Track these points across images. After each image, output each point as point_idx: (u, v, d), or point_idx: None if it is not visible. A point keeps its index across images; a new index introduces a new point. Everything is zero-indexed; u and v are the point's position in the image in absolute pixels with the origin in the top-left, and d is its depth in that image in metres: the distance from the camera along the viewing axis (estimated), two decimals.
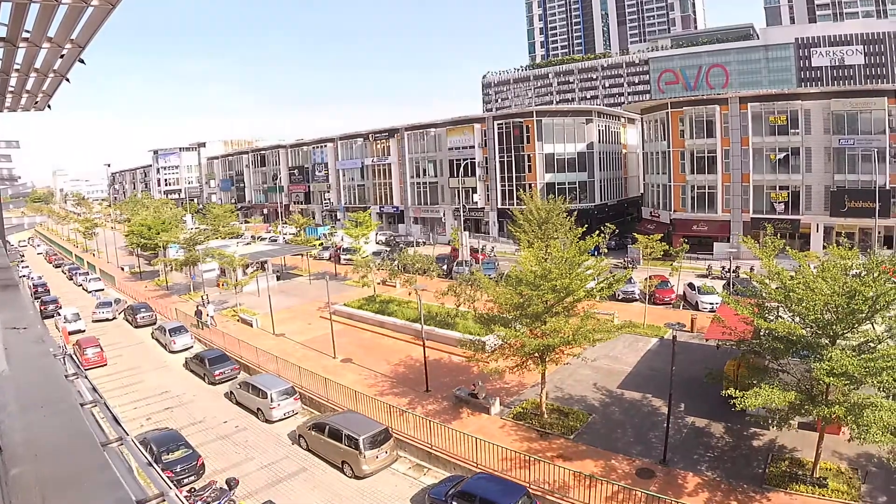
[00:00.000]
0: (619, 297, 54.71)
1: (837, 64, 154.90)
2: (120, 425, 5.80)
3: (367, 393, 34.09)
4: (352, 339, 46.62)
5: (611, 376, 37.23)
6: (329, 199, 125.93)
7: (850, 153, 68.03)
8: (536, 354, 29.16)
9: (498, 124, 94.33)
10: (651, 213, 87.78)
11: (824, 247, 56.89)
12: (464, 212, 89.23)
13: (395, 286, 60.96)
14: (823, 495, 23.61)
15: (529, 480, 25.04)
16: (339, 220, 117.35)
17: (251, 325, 51.53)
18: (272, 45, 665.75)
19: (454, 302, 45.16)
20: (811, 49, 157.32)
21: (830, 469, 25.24)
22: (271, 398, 33.36)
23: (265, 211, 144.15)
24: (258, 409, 34.10)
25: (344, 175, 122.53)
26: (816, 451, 24.44)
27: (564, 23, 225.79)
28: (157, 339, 49.79)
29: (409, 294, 51.91)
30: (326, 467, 28.42)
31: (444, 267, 68.56)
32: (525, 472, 25.60)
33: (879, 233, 64.56)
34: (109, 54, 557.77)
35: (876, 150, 65.52)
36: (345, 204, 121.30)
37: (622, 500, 23.56)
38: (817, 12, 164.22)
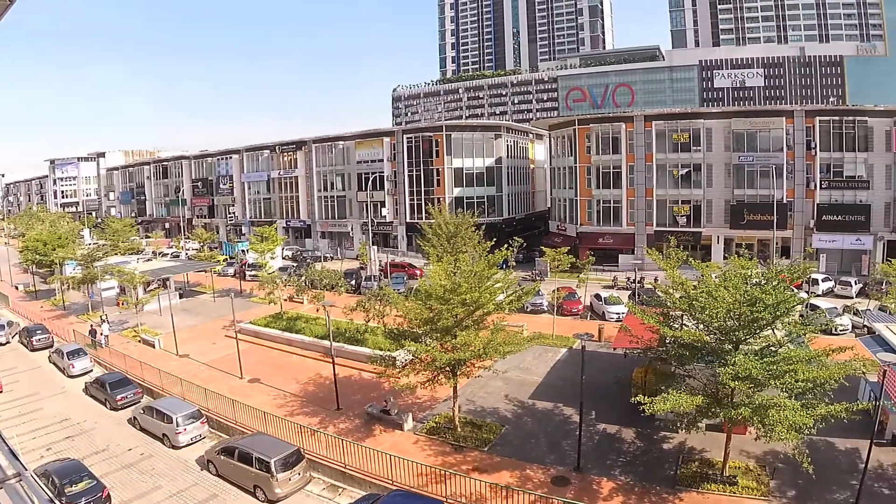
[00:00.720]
0: (528, 310, 55.25)
1: (739, 85, 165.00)
2: (17, 459, 5.31)
3: (276, 413, 33.10)
4: (259, 358, 45.34)
5: (522, 387, 37.45)
6: (234, 213, 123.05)
7: (749, 169, 72.21)
8: (448, 368, 28.97)
9: (407, 138, 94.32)
10: (558, 226, 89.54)
11: (725, 257, 59.46)
12: (372, 226, 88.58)
13: (302, 302, 59.81)
14: (734, 493, 24.47)
15: (446, 495, 24.81)
16: (244, 234, 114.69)
17: (153, 346, 49.51)
18: (174, 54, 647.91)
19: (363, 318, 44.64)
20: (714, 71, 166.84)
21: (739, 467, 26.18)
22: (177, 423, 31.96)
23: (167, 225, 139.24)
24: (164, 434, 32.61)
25: (249, 188, 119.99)
26: (725, 451, 25.30)
27: (476, 39, 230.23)
28: (54, 363, 47.09)
29: (318, 310, 51.07)
30: (238, 493, 27.36)
31: (353, 282, 67.86)
32: (441, 486, 25.34)
33: (777, 244, 68.17)
34: (3, 57, 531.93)
35: (774, 166, 69.62)
36: (250, 218, 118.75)
37: None
38: (721, 36, 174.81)
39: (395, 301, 32.13)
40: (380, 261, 76.12)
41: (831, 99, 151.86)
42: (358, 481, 27.19)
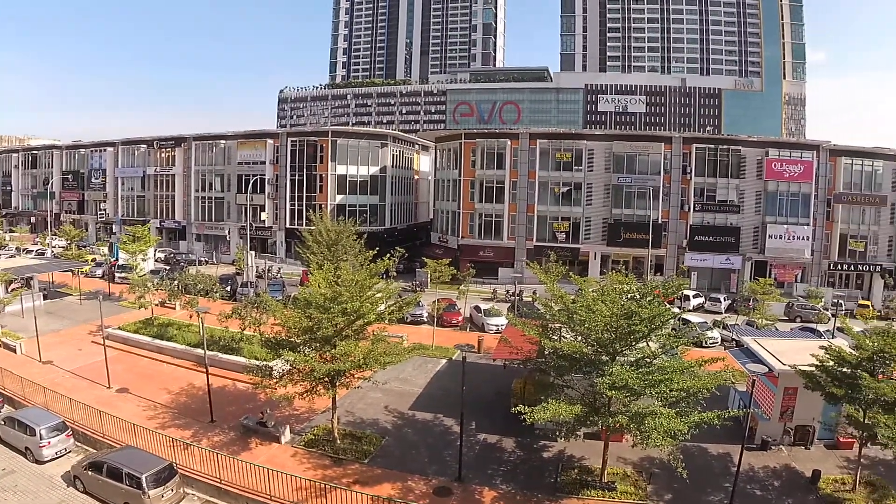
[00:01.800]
0: (408, 320, 54.94)
1: (622, 110, 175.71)
2: None
3: (147, 426, 31.42)
4: (128, 366, 43.00)
5: (402, 398, 37.27)
6: (105, 210, 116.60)
7: (627, 190, 75.98)
8: (326, 379, 28.19)
9: (292, 141, 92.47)
10: (440, 238, 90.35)
11: (602, 273, 62.10)
12: (250, 230, 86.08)
13: (175, 308, 57.61)
14: (613, 498, 25.43)
15: None
16: (115, 233, 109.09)
17: (14, 351, 46.18)
18: (53, 35, 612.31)
19: (239, 325, 43.02)
20: (599, 95, 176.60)
21: (617, 473, 27.16)
22: (40, 435, 29.71)
23: (33, 220, 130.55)
24: (26, 447, 30.25)
25: (123, 184, 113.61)
26: (603, 458, 26.19)
27: (369, 46, 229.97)
28: None
29: (191, 317, 49.26)
30: None
31: (228, 288, 65.87)
32: (321, 500, 24.76)
33: (651, 261, 71.88)
34: None
35: (651, 188, 74.02)
36: (122, 216, 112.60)
37: None
38: (608, 63, 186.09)
39: (272, 309, 31.27)
40: (257, 266, 74.47)
41: (708, 128, 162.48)
42: (234, 497, 26.16)
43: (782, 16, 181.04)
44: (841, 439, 31.42)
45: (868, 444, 26.85)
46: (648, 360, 24.63)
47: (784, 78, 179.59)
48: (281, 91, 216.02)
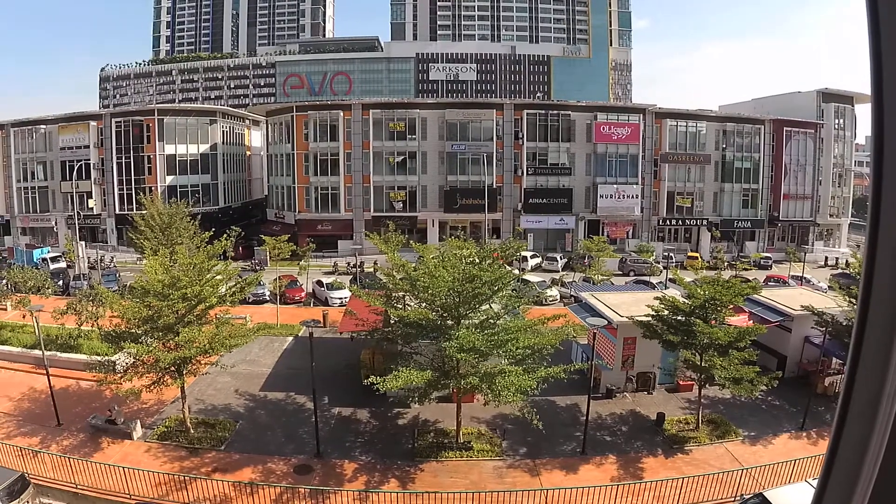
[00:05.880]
0: (250, 300, 53.87)
1: (453, 78, 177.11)
2: None
3: None
4: None
5: (252, 380, 36.80)
6: None
7: (461, 157, 78.04)
8: (173, 368, 27.48)
9: (116, 122, 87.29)
10: (276, 214, 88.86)
11: (441, 239, 63.60)
12: (79, 219, 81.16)
13: (5, 308, 53.92)
14: (471, 457, 26.45)
15: (190, 500, 23.83)
16: None
17: None
18: None
19: (75, 321, 40.96)
20: (430, 64, 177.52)
21: (472, 433, 28.27)
22: None
23: None
24: None
25: None
26: (457, 419, 27.11)
27: (193, 19, 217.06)
28: None
29: (24, 317, 46.29)
30: None
31: (61, 283, 62.21)
32: (182, 493, 24.22)
33: (488, 225, 74.66)
34: None
35: (484, 154, 76.47)
36: None
37: (287, 501, 23.67)
38: (438, 32, 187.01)
39: (109, 300, 30.05)
40: (89, 257, 70.67)
41: (538, 94, 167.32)
42: (92, 500, 25.02)
43: None
44: (681, 383, 33.97)
45: (706, 386, 29.06)
46: (493, 321, 25.75)
47: (610, 45, 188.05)
48: (102, 69, 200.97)
